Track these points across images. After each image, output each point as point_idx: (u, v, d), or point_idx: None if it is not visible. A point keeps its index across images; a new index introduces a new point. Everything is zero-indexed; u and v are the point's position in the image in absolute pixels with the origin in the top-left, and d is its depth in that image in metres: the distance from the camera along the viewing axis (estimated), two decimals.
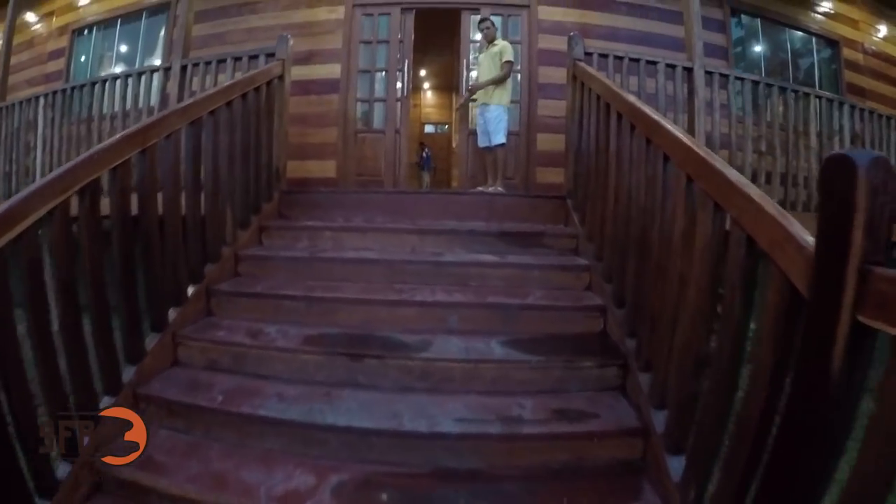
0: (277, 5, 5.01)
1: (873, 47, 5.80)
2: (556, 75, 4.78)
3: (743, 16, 5.39)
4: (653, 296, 1.70)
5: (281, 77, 3.40)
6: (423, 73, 11.42)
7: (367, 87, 4.94)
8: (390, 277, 2.55)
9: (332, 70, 4.88)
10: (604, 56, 3.24)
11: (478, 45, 4.76)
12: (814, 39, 5.64)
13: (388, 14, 4.92)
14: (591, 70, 2.81)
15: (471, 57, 4.90)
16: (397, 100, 4.89)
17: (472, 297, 2.36)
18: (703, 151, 1.46)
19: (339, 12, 4.91)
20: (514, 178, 4.69)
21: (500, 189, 4.01)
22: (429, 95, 12.64)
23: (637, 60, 3.34)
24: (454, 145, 11.53)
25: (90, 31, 5.80)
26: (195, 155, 2.40)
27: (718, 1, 5.25)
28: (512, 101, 4.42)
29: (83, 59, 5.85)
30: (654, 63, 3.41)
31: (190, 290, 2.29)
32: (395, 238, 2.90)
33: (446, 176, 11.52)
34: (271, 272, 2.68)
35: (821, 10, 5.61)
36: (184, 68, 3.84)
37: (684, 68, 3.50)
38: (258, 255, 2.78)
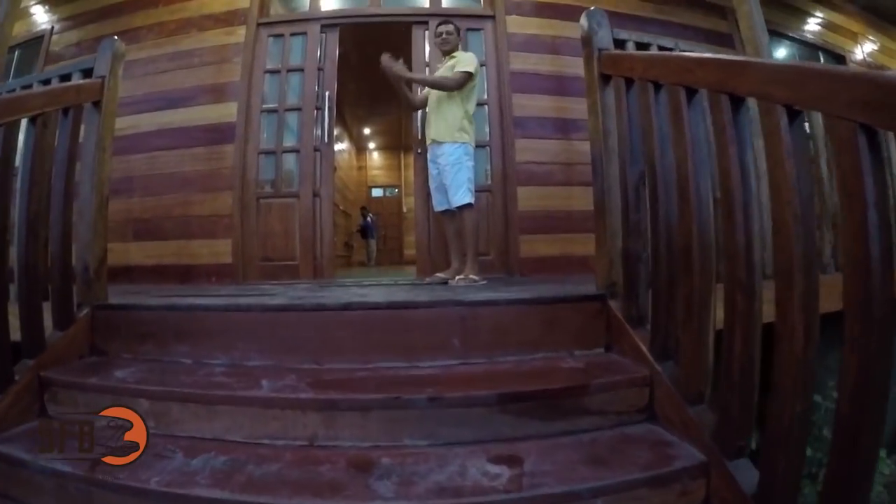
0: (163, 30, 3.68)
1: (872, 59, 5.31)
2: (538, 105, 3.60)
3: None
4: None
5: (97, 104, 1.89)
6: (367, 131, 10.24)
7: (273, 133, 3.48)
8: None
9: (227, 111, 3.46)
10: (643, 46, 1.90)
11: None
12: (821, 54, 5.03)
13: (304, 34, 3.57)
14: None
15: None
16: (316, 149, 3.42)
17: None
18: None
19: (240, 35, 3.58)
20: (488, 253, 3.26)
21: (473, 278, 2.52)
22: (375, 156, 11.37)
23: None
24: (405, 210, 10.17)
25: None
26: None
27: (721, 12, 4.30)
28: (477, 145, 3.01)
29: None
30: None
31: None
32: (272, 419, 1.31)
33: (398, 245, 10.16)
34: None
35: (820, 21, 5.01)
36: None
37: None
38: (9, 458, 1.21)
